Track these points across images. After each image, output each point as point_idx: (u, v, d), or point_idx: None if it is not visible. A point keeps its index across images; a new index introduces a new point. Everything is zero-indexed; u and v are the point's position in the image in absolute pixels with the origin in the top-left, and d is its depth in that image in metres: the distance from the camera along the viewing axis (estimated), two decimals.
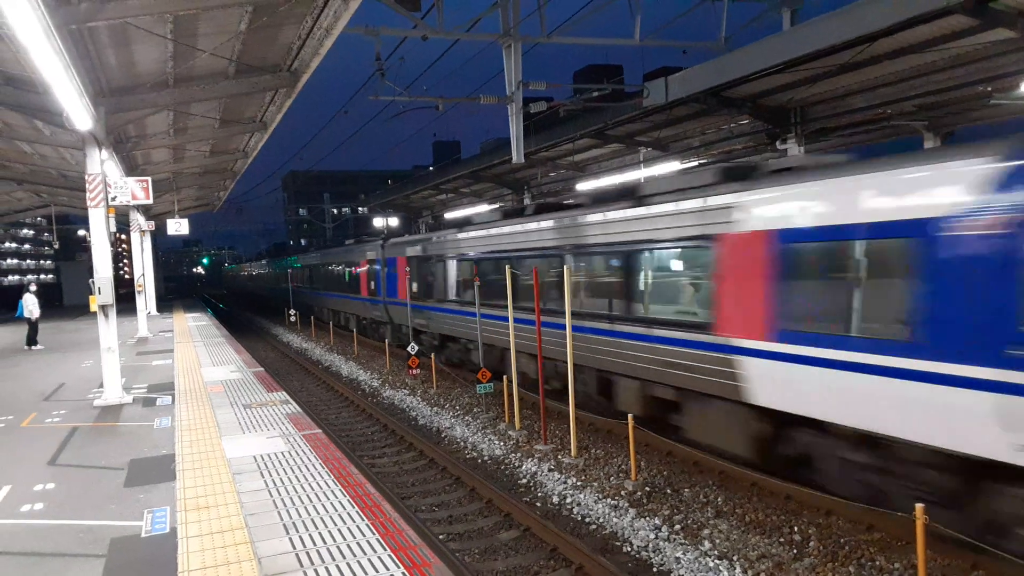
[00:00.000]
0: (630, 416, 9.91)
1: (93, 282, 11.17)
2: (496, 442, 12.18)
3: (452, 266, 18.28)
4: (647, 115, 16.99)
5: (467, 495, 10.12)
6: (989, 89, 13.33)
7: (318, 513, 6.37)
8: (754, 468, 9.42)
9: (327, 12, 9.81)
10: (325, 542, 5.73)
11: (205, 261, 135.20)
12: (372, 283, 25.58)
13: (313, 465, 7.85)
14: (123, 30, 9.59)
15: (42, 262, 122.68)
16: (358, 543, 5.69)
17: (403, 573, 5.15)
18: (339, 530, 5.97)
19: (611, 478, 9.98)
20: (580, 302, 12.48)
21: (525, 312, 13.49)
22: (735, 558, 7.38)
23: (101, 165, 11.26)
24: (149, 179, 13.95)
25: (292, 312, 34.82)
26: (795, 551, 7.53)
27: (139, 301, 22.55)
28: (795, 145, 15.82)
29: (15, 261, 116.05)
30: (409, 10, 14.99)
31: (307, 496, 6.83)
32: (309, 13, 10.04)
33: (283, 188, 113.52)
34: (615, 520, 8.58)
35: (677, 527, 8.24)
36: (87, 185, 11.25)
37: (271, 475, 7.51)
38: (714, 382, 9.23)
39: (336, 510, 6.44)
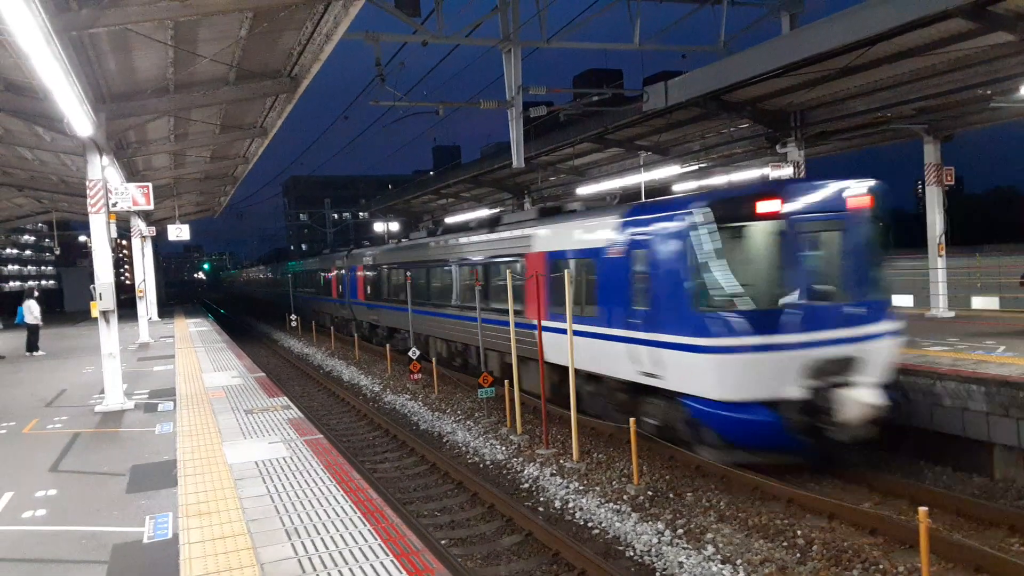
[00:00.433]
0: (631, 420, 10.01)
1: (94, 288, 11.15)
2: (498, 447, 12.17)
3: (390, 273, 23.80)
4: (647, 119, 17.01)
5: (469, 500, 10.10)
6: (989, 92, 13.35)
7: (320, 519, 6.35)
8: (755, 471, 9.43)
9: (327, 18, 9.82)
10: (327, 548, 5.71)
11: (206, 267, 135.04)
12: (340, 287, 30.98)
13: (315, 470, 7.83)
14: (123, 36, 9.59)
15: (43, 268, 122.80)
16: (360, 549, 5.68)
17: None
18: (341, 536, 5.95)
19: (613, 482, 9.96)
20: (460, 297, 17.92)
21: (440, 308, 19.10)
22: (738, 562, 7.36)
23: (102, 171, 11.27)
24: (150, 185, 13.91)
25: (293, 318, 34.87)
26: (798, 555, 7.51)
27: (140, 307, 22.52)
28: (795, 148, 15.83)
29: (16, 267, 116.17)
30: (409, 15, 15.03)
31: (309, 502, 6.81)
32: (309, 19, 10.06)
33: (284, 193, 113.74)
34: (618, 524, 8.56)
35: (680, 531, 8.22)
36: (88, 191, 11.26)
37: (273, 481, 7.49)
38: (531, 349, 13.22)
39: (338, 515, 6.43)
